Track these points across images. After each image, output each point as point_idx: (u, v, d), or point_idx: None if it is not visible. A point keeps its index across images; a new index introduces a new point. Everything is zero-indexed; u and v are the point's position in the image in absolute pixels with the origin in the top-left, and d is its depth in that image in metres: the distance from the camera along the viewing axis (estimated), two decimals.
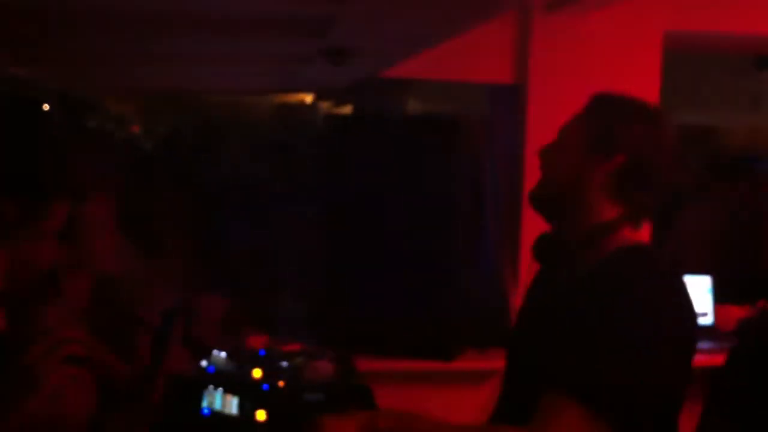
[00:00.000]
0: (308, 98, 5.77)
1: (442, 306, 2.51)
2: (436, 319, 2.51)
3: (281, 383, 1.90)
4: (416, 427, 1.43)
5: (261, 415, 1.74)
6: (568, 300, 1.54)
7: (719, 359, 2.84)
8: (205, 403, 1.78)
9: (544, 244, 1.66)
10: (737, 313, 3.08)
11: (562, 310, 1.54)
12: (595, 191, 1.59)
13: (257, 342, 2.29)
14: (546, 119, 1.70)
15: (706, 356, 2.81)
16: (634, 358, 1.40)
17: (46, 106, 4.66)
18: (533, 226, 1.70)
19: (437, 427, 1.43)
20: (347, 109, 5.03)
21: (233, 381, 1.89)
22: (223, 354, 2.05)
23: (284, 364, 2.06)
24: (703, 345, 2.89)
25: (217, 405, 1.79)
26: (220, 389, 1.81)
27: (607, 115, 1.62)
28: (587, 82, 1.73)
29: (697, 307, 2.95)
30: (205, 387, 1.83)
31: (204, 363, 2.03)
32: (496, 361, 2.52)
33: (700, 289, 3.08)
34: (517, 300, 2.69)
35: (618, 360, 1.39)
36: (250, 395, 1.80)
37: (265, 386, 1.88)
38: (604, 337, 1.42)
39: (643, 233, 1.80)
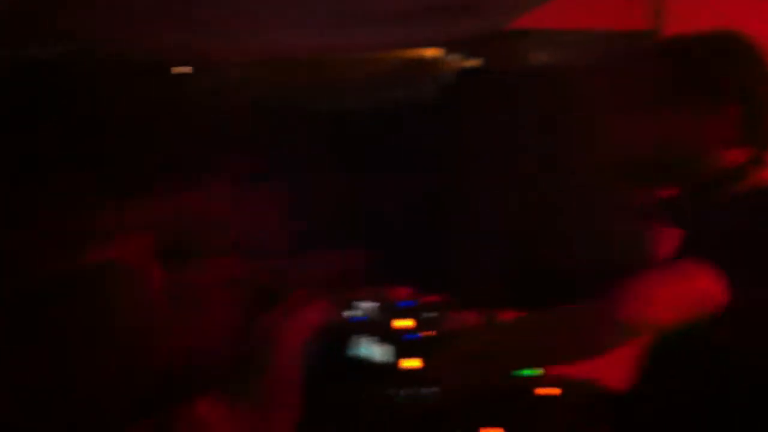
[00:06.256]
0: (433, 53, 5.72)
1: (580, 260, 2.48)
2: (573, 272, 2.49)
3: (427, 333, 1.95)
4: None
5: (410, 363, 1.78)
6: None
7: None
8: (355, 351, 1.84)
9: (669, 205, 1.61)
10: None
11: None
12: (713, 147, 1.51)
13: (401, 293, 2.34)
14: None
15: None
16: None
17: (177, 69, 4.80)
18: None
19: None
20: (473, 64, 4.97)
21: (382, 330, 1.94)
22: (368, 304, 2.10)
23: (428, 314, 2.10)
24: None
25: (365, 353, 1.84)
26: (370, 338, 1.86)
27: (717, 64, 1.51)
28: (728, 26, 1.63)
29: None
30: (352, 336, 1.89)
31: (351, 313, 2.09)
32: None
33: None
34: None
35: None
36: (397, 345, 1.85)
37: (411, 336, 1.93)
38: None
39: None
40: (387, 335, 1.90)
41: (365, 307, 2.11)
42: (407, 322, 1.98)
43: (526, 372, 1.75)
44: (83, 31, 3.27)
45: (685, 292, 1.35)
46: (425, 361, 1.78)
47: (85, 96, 1.54)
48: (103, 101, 1.50)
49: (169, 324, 1.25)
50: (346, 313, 2.12)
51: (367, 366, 1.84)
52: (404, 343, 1.87)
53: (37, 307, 1.22)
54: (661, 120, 1.54)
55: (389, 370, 1.81)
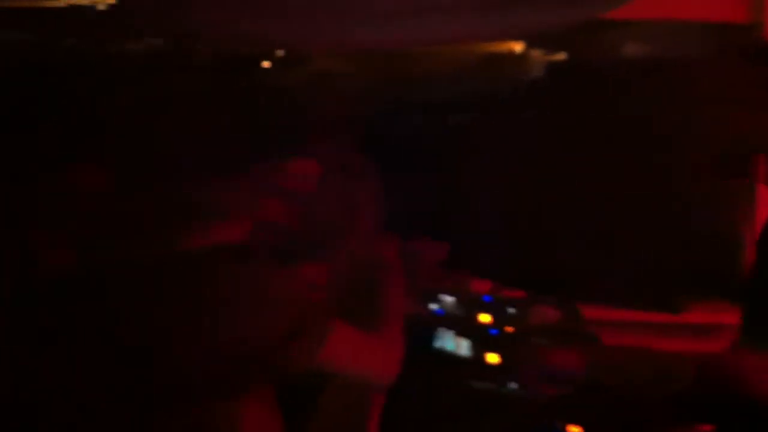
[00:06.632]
0: (517, 47, 5.63)
1: (670, 257, 2.42)
2: (664, 270, 2.43)
3: (509, 328, 1.94)
4: (640, 359, 1.42)
5: (492, 357, 1.78)
6: None
7: None
8: (437, 344, 1.85)
9: None
10: None
11: None
12: None
13: (482, 288, 2.34)
14: None
15: None
16: None
17: (266, 64, 4.88)
18: None
19: (662, 357, 1.41)
20: (561, 57, 4.89)
21: (462, 324, 1.95)
22: (451, 298, 2.11)
23: (510, 309, 2.09)
24: None
25: (449, 346, 1.85)
26: (451, 331, 1.87)
27: None
28: None
29: None
30: (436, 329, 1.90)
31: (433, 306, 2.11)
32: (725, 315, 2.42)
33: None
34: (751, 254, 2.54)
35: None
36: (480, 338, 1.85)
37: (493, 330, 1.93)
38: None
39: None
40: (469, 329, 1.91)
41: (447, 300, 2.12)
42: (488, 317, 1.98)
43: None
44: (173, 25, 3.36)
45: None
46: (505, 356, 1.77)
47: (177, 85, 1.58)
48: (194, 91, 1.54)
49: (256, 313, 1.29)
50: (430, 306, 2.13)
51: (449, 358, 1.84)
52: (486, 338, 1.87)
53: (139, 288, 1.27)
54: (759, 114, 1.49)
55: (471, 363, 1.82)
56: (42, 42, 2.86)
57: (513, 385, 1.67)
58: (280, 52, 5.41)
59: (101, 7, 2.77)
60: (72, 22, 2.83)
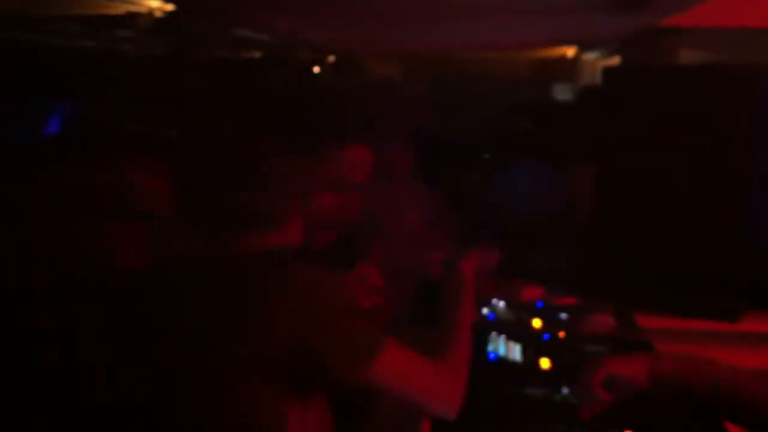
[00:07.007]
0: (570, 52, 5.55)
1: (727, 265, 2.38)
2: (720, 278, 2.39)
3: (562, 334, 1.93)
4: (701, 369, 1.36)
5: (545, 363, 1.77)
6: None
7: None
8: (490, 348, 1.84)
9: None
10: None
11: None
12: None
13: (534, 293, 2.33)
14: None
15: None
16: None
17: (317, 69, 4.92)
18: None
19: (724, 370, 1.35)
20: (614, 62, 4.80)
21: (514, 329, 1.94)
22: (503, 303, 2.11)
23: (563, 315, 2.08)
24: None
25: (501, 351, 1.84)
26: (503, 336, 1.86)
27: None
28: None
29: None
30: (488, 333, 1.89)
31: (485, 311, 2.10)
32: None
33: None
34: None
35: None
36: (532, 344, 1.84)
37: (546, 336, 1.92)
38: None
39: None
40: (521, 334, 1.90)
41: (499, 305, 2.11)
42: (540, 322, 1.97)
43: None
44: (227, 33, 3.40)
45: None
46: (557, 362, 1.76)
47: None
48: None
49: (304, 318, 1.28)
50: (482, 310, 2.13)
51: (501, 363, 1.84)
52: (538, 343, 1.86)
53: (190, 288, 1.29)
54: None
55: (523, 368, 1.81)
56: (99, 46, 2.93)
57: (565, 391, 1.66)
58: (331, 57, 5.44)
59: (158, 14, 2.82)
60: (129, 29, 2.89)
